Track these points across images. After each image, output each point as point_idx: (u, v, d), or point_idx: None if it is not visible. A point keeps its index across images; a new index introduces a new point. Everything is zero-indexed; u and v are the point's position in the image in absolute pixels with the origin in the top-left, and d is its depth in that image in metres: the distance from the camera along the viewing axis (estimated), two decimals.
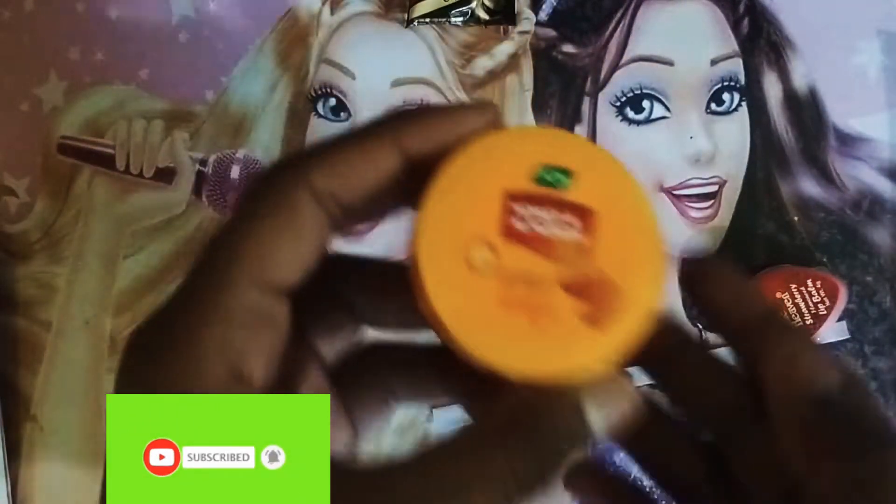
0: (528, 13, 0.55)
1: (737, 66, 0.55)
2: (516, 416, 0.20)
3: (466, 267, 0.22)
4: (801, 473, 0.21)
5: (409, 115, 0.22)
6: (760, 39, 0.55)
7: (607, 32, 0.55)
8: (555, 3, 0.56)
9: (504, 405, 0.20)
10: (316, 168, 0.20)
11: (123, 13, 0.57)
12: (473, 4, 0.55)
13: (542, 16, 0.56)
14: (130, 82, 0.57)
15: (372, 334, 0.26)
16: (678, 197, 0.54)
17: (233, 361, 0.19)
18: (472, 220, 0.22)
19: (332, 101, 0.55)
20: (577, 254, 0.23)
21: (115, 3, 0.57)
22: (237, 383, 0.19)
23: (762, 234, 0.54)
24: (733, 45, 0.55)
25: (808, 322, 0.49)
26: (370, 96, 0.55)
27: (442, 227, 0.22)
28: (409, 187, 0.21)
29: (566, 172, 0.24)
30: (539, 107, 0.55)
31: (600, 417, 0.21)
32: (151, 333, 0.20)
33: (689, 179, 0.54)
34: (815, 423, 0.21)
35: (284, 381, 0.21)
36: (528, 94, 0.55)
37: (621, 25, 0.55)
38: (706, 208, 0.54)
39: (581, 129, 0.55)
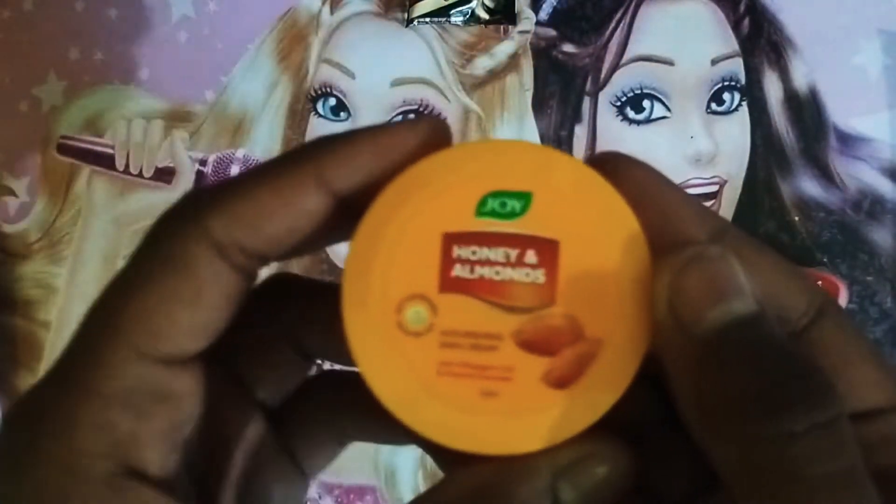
0: (528, 13, 0.55)
1: (737, 66, 0.55)
2: (476, 499, 0.17)
3: (400, 330, 0.18)
4: (702, 443, 0.16)
5: (330, 141, 0.18)
6: (761, 39, 0.55)
7: (608, 32, 0.55)
8: (555, 3, 0.56)
9: (460, 484, 0.17)
10: (217, 214, 0.17)
11: (123, 13, 0.57)
12: (473, 4, 0.54)
13: (543, 15, 0.56)
14: (130, 82, 0.57)
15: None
16: None
17: (121, 452, 0.16)
18: (404, 272, 0.18)
19: (332, 101, 0.55)
20: (537, 299, 0.19)
21: (115, 3, 0.57)
22: (127, 478, 0.16)
23: (763, 233, 0.54)
24: (734, 45, 0.55)
25: None
26: (370, 96, 0.55)
27: (368, 284, 0.18)
28: (349, 225, 0.18)
29: (520, 197, 0.19)
30: (539, 107, 0.55)
31: (576, 496, 0.17)
32: (24, 415, 0.16)
33: (690, 179, 0.54)
34: (708, 364, 0.16)
35: (208, 447, 0.18)
36: (529, 94, 0.55)
37: (622, 25, 0.55)
38: None
39: (581, 129, 0.55)
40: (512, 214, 0.19)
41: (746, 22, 0.55)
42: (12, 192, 0.57)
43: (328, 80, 0.55)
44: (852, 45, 0.55)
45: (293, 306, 0.21)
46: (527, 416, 0.18)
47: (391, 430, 0.20)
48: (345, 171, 0.17)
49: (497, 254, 0.19)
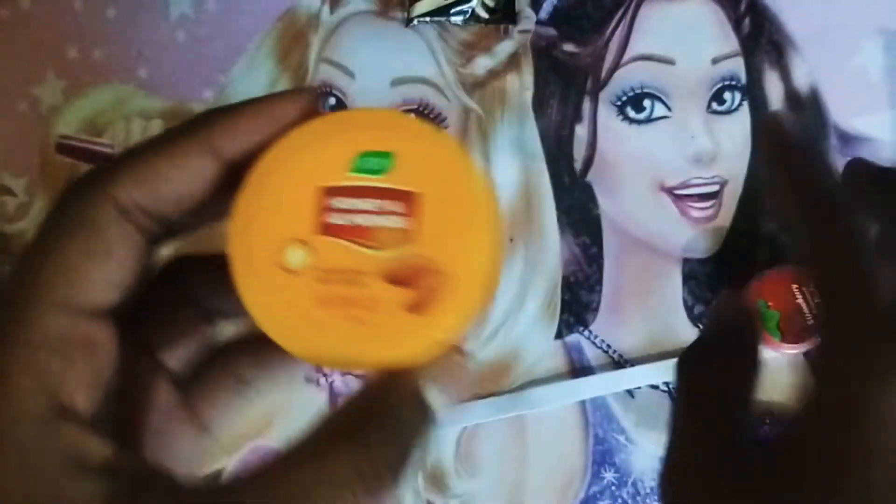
0: (529, 12, 0.55)
1: (738, 66, 0.55)
2: (357, 414, 0.19)
3: (281, 269, 0.21)
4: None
5: (218, 113, 0.20)
6: (762, 38, 0.55)
7: (608, 31, 0.55)
8: (555, 2, 0.56)
9: (344, 404, 0.20)
10: (119, 180, 0.19)
11: (121, 12, 0.57)
12: (473, 3, 0.54)
13: (543, 14, 0.56)
14: (129, 81, 0.56)
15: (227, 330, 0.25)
16: (679, 197, 0.54)
17: (51, 392, 0.18)
18: (285, 219, 0.22)
19: (332, 101, 0.55)
20: (399, 241, 0.23)
21: (114, 3, 0.57)
22: (58, 415, 0.18)
23: (764, 233, 0.54)
24: (734, 45, 0.55)
25: (809, 322, 0.49)
26: (370, 96, 0.55)
27: (254, 230, 0.21)
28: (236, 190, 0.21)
29: (386, 156, 0.23)
30: (539, 106, 0.55)
31: (441, 399, 0.20)
32: None
33: (691, 179, 0.54)
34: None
35: (122, 403, 0.20)
36: (529, 94, 0.55)
37: (622, 24, 0.55)
38: (707, 208, 0.54)
39: (581, 129, 0.55)
40: (379, 171, 0.23)
41: (747, 21, 0.55)
42: (11, 192, 0.56)
43: (328, 79, 0.55)
44: (853, 44, 0.55)
45: (193, 273, 0.24)
46: (391, 339, 0.22)
47: (281, 363, 0.24)
48: (231, 137, 0.20)
49: (366, 204, 0.23)
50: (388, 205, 0.23)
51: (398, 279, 0.23)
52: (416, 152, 0.23)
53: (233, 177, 0.21)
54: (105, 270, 0.19)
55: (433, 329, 0.22)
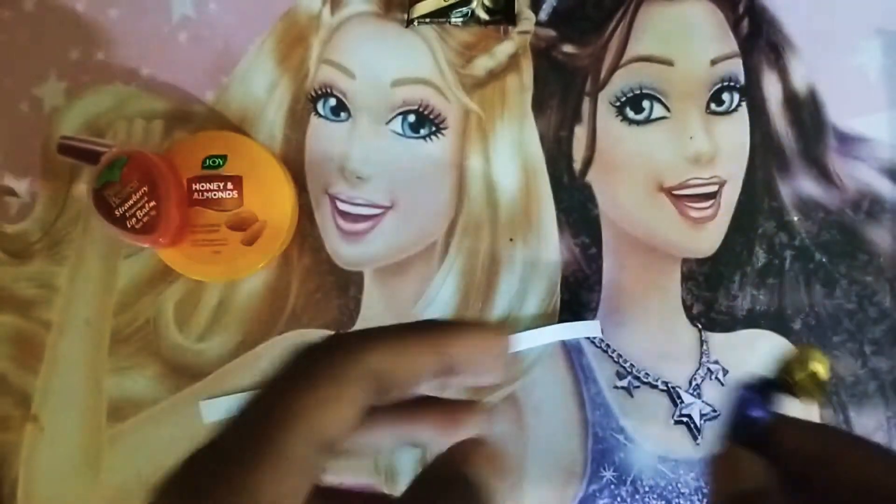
0: (528, 13, 0.55)
1: (736, 67, 0.55)
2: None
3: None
4: None
5: (449, 326, 0.25)
6: (760, 39, 0.55)
7: (607, 32, 0.55)
8: (555, 3, 0.56)
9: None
10: (373, 351, 0.23)
11: (123, 13, 0.57)
12: (473, 4, 0.55)
13: (542, 16, 0.56)
14: (130, 82, 0.57)
15: None
16: (678, 197, 0.54)
17: None
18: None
19: (333, 102, 0.55)
20: (234, 205, 0.50)
21: (115, 4, 0.57)
22: None
23: (762, 234, 0.54)
24: (733, 46, 0.55)
25: None
26: (370, 96, 0.55)
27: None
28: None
29: (223, 158, 0.51)
30: (539, 107, 0.55)
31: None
32: (204, 463, 0.21)
33: (689, 179, 0.54)
34: None
35: None
36: (528, 94, 0.55)
37: (621, 25, 0.55)
38: (706, 208, 0.54)
39: (581, 130, 0.55)
40: (218, 166, 0.51)
41: (746, 22, 0.55)
42: (13, 193, 0.57)
43: (328, 80, 0.56)
44: (851, 45, 0.55)
45: None
46: (235, 262, 0.51)
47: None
48: (456, 350, 0.25)
49: (212, 185, 0.51)
50: (225, 185, 0.50)
51: (236, 226, 0.50)
52: (239, 154, 0.51)
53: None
54: (344, 416, 0.22)
55: (259, 254, 0.50)
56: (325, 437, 0.22)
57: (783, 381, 0.26)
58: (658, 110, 0.54)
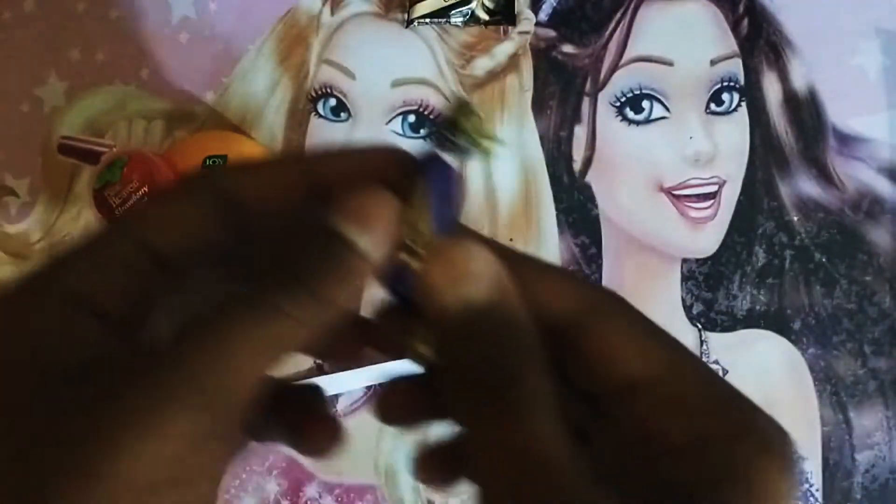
0: (528, 13, 0.55)
1: (736, 67, 0.55)
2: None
3: None
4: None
5: (236, 168, 0.22)
6: (760, 40, 0.55)
7: (607, 33, 0.55)
8: (554, 4, 0.56)
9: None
10: (226, 169, 0.21)
11: (124, 13, 0.57)
12: (473, 5, 0.55)
13: (542, 16, 0.56)
14: (131, 82, 0.57)
15: None
16: (678, 197, 0.54)
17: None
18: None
19: (333, 102, 0.55)
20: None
21: (116, 4, 0.58)
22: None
23: (762, 234, 0.54)
24: (733, 46, 0.55)
25: None
26: (370, 96, 0.55)
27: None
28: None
29: (223, 158, 0.50)
30: (539, 107, 0.55)
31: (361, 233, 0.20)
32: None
33: (689, 179, 0.54)
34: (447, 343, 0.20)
35: None
36: (528, 95, 0.55)
37: (621, 26, 0.55)
38: (706, 208, 0.54)
39: (581, 130, 0.55)
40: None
41: (745, 22, 0.55)
42: (13, 193, 0.57)
43: (329, 80, 0.56)
44: (851, 45, 0.55)
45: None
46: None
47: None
48: (250, 188, 0.22)
49: None
50: None
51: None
52: (239, 153, 0.51)
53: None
54: (180, 226, 0.20)
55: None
56: (149, 239, 0.20)
57: (447, 139, 0.22)
58: (658, 110, 0.54)
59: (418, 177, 0.21)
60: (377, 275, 0.21)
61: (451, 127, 0.21)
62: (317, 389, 0.25)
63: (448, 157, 0.22)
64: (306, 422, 0.23)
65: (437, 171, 0.22)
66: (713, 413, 0.19)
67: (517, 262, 0.21)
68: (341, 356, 0.24)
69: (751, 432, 0.19)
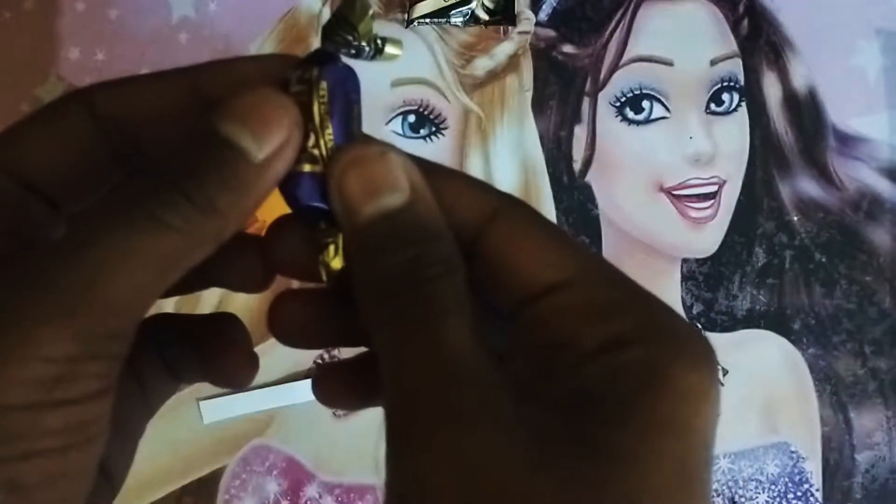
0: (528, 13, 0.55)
1: (736, 67, 0.55)
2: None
3: None
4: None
5: (209, 62, 0.22)
6: (760, 40, 0.55)
7: (607, 33, 0.55)
8: (554, 4, 0.56)
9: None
10: (100, 89, 0.20)
11: (123, 13, 0.57)
12: (473, 5, 0.55)
13: (542, 16, 0.56)
14: None
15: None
16: (678, 197, 0.54)
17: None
18: None
19: None
20: None
21: (116, 4, 0.58)
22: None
23: (762, 234, 0.54)
24: (733, 46, 0.55)
25: None
26: (370, 96, 0.55)
27: None
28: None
29: None
30: (539, 107, 0.55)
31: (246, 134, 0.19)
32: None
33: (689, 179, 0.54)
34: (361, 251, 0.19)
35: None
36: (528, 95, 0.55)
37: (621, 26, 0.55)
38: (706, 208, 0.54)
39: (581, 130, 0.55)
40: None
41: (745, 23, 0.55)
42: None
43: None
44: (851, 45, 0.55)
45: (169, 333, 0.24)
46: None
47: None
48: (210, 79, 0.21)
49: None
50: None
51: None
52: None
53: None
54: (49, 145, 0.20)
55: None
56: (19, 166, 0.19)
57: (341, 37, 0.21)
58: (658, 110, 0.54)
59: (316, 80, 0.20)
60: (277, 183, 0.19)
61: (344, 24, 0.21)
62: (233, 318, 0.24)
63: (345, 59, 0.21)
64: (223, 353, 0.23)
65: (334, 73, 0.21)
66: (625, 314, 0.18)
67: (423, 168, 0.20)
68: (245, 282, 0.22)
69: (668, 333, 0.18)
